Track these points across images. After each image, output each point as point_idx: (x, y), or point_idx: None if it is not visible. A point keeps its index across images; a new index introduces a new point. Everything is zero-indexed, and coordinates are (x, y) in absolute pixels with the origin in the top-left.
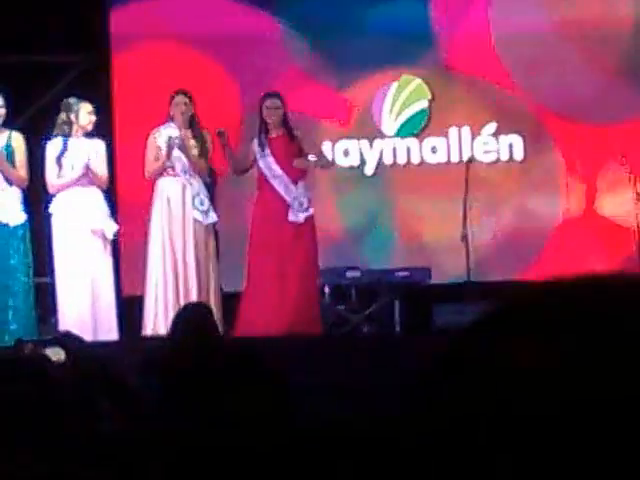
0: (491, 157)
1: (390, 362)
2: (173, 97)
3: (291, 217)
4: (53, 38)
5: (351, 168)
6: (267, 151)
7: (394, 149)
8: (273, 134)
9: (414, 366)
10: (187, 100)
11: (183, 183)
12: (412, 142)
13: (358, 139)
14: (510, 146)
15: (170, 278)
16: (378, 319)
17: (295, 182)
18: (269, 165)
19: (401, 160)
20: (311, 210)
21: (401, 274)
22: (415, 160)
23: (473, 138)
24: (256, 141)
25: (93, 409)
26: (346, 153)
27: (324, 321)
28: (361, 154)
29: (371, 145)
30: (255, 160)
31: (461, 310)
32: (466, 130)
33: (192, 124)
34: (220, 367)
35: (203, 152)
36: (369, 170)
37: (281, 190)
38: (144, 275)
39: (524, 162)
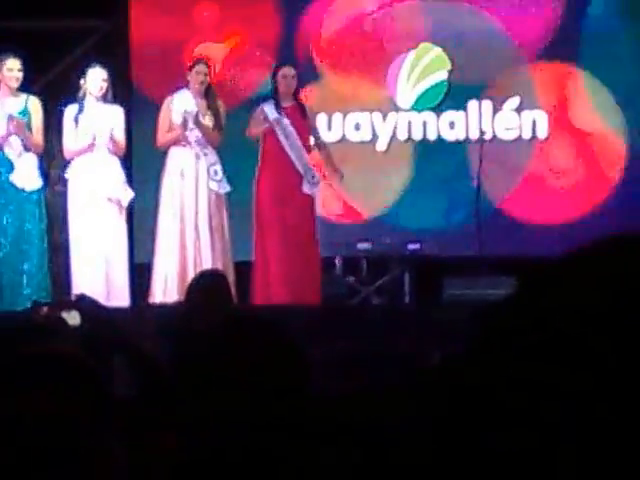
0: (512, 134)
1: (400, 333)
2: (193, 65)
3: (305, 188)
4: (72, 3)
5: (362, 143)
6: (285, 119)
7: (409, 123)
8: (286, 104)
9: (423, 336)
10: (207, 70)
11: (197, 153)
12: (429, 116)
13: (370, 112)
14: (533, 123)
15: (180, 247)
16: (388, 291)
17: (308, 154)
18: (287, 133)
19: (417, 136)
20: (320, 183)
21: (412, 247)
22: (432, 136)
23: (494, 113)
24: (271, 107)
25: (107, 373)
26: (357, 127)
27: (334, 292)
28: (373, 128)
29: (384, 119)
30: (268, 127)
31: (472, 284)
32: (487, 104)
33: (208, 94)
34: (234, 334)
35: (217, 123)
36: (381, 146)
37: (296, 160)
38: (154, 243)
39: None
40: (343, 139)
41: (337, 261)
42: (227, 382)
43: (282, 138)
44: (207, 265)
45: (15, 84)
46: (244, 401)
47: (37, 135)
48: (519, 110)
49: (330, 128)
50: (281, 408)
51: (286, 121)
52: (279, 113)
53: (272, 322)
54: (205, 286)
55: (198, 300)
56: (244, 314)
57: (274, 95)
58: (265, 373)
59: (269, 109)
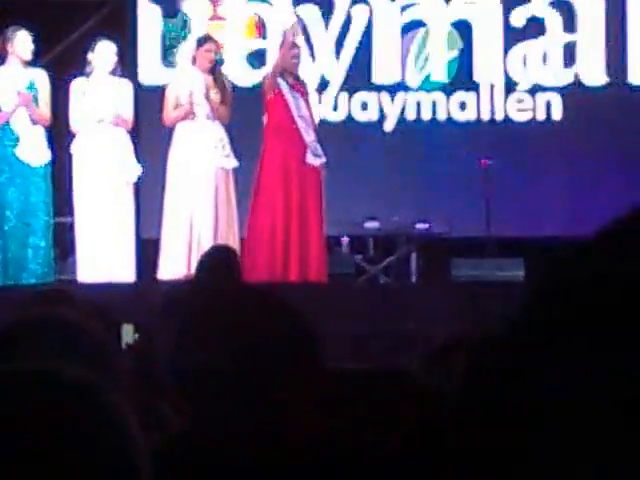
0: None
1: (405, 312)
2: (202, 44)
3: (309, 159)
4: None
5: (369, 123)
6: (296, 92)
7: (418, 104)
8: (290, 80)
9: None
10: (216, 48)
11: (205, 128)
12: (439, 96)
13: (378, 91)
14: (548, 104)
15: (187, 222)
16: (395, 270)
17: (314, 129)
18: (299, 103)
19: (426, 116)
20: (324, 158)
21: (420, 226)
22: (442, 117)
23: (507, 94)
24: (281, 80)
25: (115, 343)
26: (364, 106)
27: (342, 270)
28: (381, 108)
29: (392, 98)
30: (279, 95)
31: (479, 265)
32: (499, 85)
33: (214, 70)
34: (244, 309)
35: (225, 98)
36: (389, 126)
37: (303, 131)
38: (161, 219)
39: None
40: (349, 119)
41: (344, 240)
42: (232, 357)
43: (294, 108)
44: (213, 241)
45: (28, 56)
46: (249, 376)
47: (44, 109)
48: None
49: (336, 108)
50: (289, 380)
51: (297, 93)
52: (289, 86)
53: (280, 297)
54: (216, 261)
55: (208, 275)
56: (252, 288)
57: (281, 70)
58: (272, 345)
59: (281, 80)
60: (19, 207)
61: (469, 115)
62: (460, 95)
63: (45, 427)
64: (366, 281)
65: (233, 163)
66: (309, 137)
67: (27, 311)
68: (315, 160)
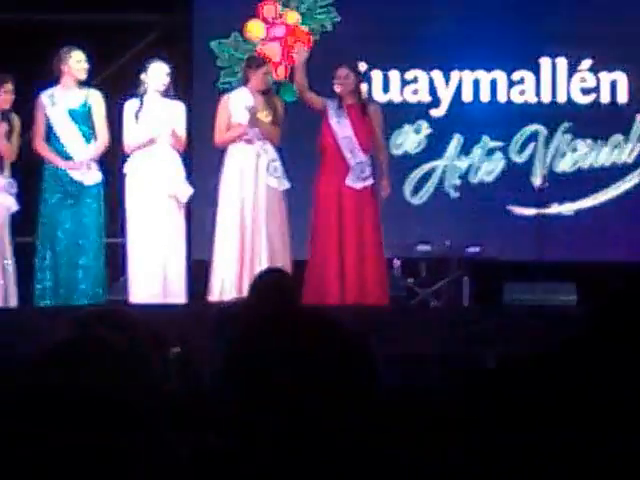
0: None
1: (456, 336)
2: (255, 65)
3: (349, 181)
4: None
5: (419, 104)
6: (343, 113)
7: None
8: (348, 102)
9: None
10: (269, 69)
11: (257, 150)
12: (499, 76)
13: (429, 69)
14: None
15: (239, 244)
16: (446, 294)
17: (363, 151)
18: (342, 125)
19: (484, 98)
20: (371, 180)
21: (472, 250)
22: (502, 98)
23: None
24: (331, 103)
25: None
26: (415, 89)
27: (393, 293)
28: (433, 88)
29: (447, 79)
30: (325, 117)
31: (531, 289)
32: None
33: (266, 91)
34: (298, 331)
35: (276, 119)
36: (440, 110)
37: (346, 152)
38: (212, 240)
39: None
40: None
41: (395, 262)
42: (286, 379)
43: (336, 130)
44: (266, 263)
45: (83, 75)
46: (307, 401)
47: (98, 129)
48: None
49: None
50: (348, 404)
51: (344, 118)
52: (339, 109)
53: (336, 320)
54: (269, 284)
55: (261, 297)
56: (308, 311)
57: (333, 93)
58: (331, 369)
59: (330, 102)
60: (71, 227)
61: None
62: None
63: None
64: (417, 304)
65: (285, 184)
66: (354, 159)
67: (76, 331)
68: (356, 183)
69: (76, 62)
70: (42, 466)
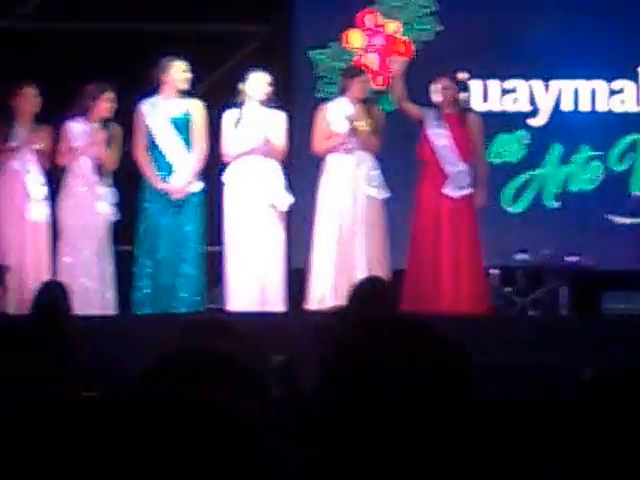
0: None
1: (554, 346)
2: (355, 74)
3: (446, 190)
4: (235, 7)
5: (517, 114)
6: (442, 122)
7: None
8: (447, 111)
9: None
10: (368, 79)
11: (356, 159)
12: (599, 85)
13: (528, 78)
14: None
15: (337, 253)
16: (544, 303)
17: (463, 160)
18: (441, 134)
19: (584, 107)
20: (469, 190)
21: (570, 259)
22: (601, 108)
23: None
24: (430, 112)
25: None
26: (515, 98)
27: (490, 302)
28: (532, 97)
29: (547, 88)
30: (423, 127)
31: (630, 298)
32: None
33: (366, 100)
34: (398, 340)
35: (376, 128)
36: (539, 119)
37: (445, 161)
38: (310, 249)
39: None
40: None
41: (493, 271)
42: (387, 388)
43: (434, 139)
44: (364, 272)
45: (185, 85)
46: (408, 406)
47: (199, 138)
48: None
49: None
50: (446, 412)
51: (443, 128)
52: (436, 117)
53: (435, 328)
54: (368, 292)
55: (360, 306)
56: (406, 317)
57: (435, 104)
58: (430, 375)
59: (428, 112)
60: (172, 236)
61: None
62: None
63: None
64: (515, 313)
65: (384, 193)
66: (453, 168)
67: (184, 340)
68: (455, 192)
69: (178, 72)
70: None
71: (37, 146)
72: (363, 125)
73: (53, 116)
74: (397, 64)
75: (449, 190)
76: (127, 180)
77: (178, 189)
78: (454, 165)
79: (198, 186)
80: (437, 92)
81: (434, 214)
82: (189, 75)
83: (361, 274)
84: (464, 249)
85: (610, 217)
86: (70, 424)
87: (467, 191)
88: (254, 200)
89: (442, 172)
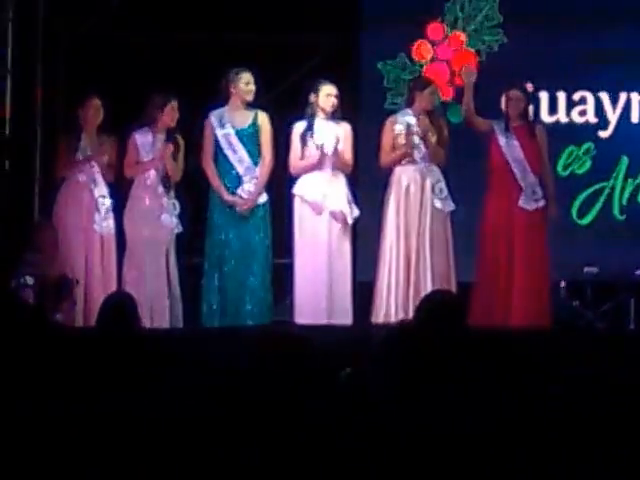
0: None
1: (622, 360)
2: (421, 86)
3: (522, 203)
4: (303, 18)
5: (585, 125)
6: (511, 135)
7: None
8: (515, 123)
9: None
10: (436, 91)
11: (422, 171)
12: None
13: (596, 90)
14: None
15: (404, 266)
16: (613, 317)
17: (534, 172)
18: (512, 147)
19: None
20: (542, 202)
21: (639, 272)
22: None
23: None
24: (498, 124)
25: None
26: (582, 110)
27: (559, 316)
28: (599, 109)
29: (614, 100)
30: (492, 139)
31: None
32: None
33: (432, 112)
34: (470, 354)
35: (441, 140)
36: (607, 131)
37: (518, 174)
38: (377, 262)
39: None
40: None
41: (562, 284)
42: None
43: (506, 151)
44: (431, 285)
45: (250, 97)
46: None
47: (266, 150)
48: None
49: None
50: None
51: (513, 139)
52: (506, 129)
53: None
54: (437, 305)
55: (429, 319)
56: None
57: (504, 115)
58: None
59: (497, 124)
60: (239, 248)
61: None
62: None
63: None
64: (584, 327)
65: (450, 206)
66: (525, 181)
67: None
68: (530, 205)
69: (244, 84)
70: None
71: (104, 158)
72: (430, 137)
73: (116, 127)
74: (466, 76)
75: (524, 203)
76: (194, 191)
77: (245, 201)
78: (527, 177)
79: (264, 198)
80: (507, 103)
81: (507, 227)
82: (254, 87)
83: (428, 287)
84: (536, 262)
85: None
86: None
87: (541, 203)
88: (322, 212)
89: (515, 185)
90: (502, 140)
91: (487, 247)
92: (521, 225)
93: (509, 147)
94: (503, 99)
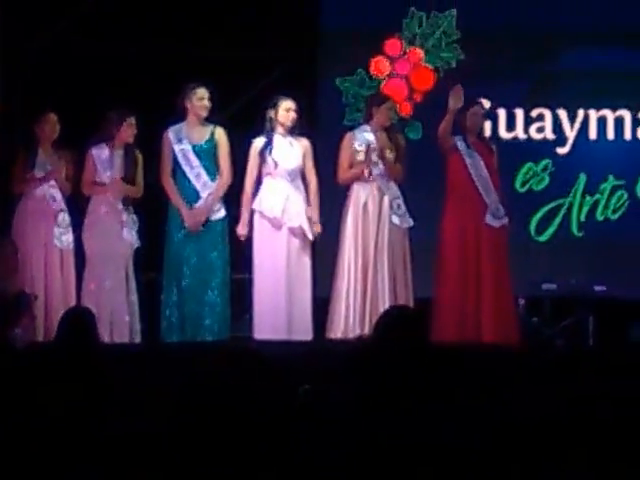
0: None
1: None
2: (379, 101)
3: (488, 220)
4: (262, 34)
5: (543, 142)
6: (474, 151)
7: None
8: (473, 139)
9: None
10: (393, 107)
11: (380, 187)
12: (624, 114)
13: (554, 107)
14: None
15: (361, 281)
16: (572, 333)
17: (495, 189)
18: (476, 164)
19: (610, 136)
20: (506, 219)
21: (597, 288)
22: (627, 137)
23: None
24: (460, 140)
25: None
26: (540, 126)
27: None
28: (557, 126)
29: (572, 117)
30: (456, 156)
31: None
32: None
33: (389, 129)
34: (428, 369)
35: (400, 157)
36: (565, 148)
37: (482, 190)
38: (334, 277)
39: None
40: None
41: (520, 301)
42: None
43: (471, 169)
44: (389, 300)
45: (204, 113)
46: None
47: (223, 165)
48: None
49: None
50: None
51: (475, 153)
52: (467, 145)
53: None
54: (395, 321)
55: (387, 335)
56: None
57: (461, 128)
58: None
59: (459, 140)
60: (196, 263)
61: None
62: None
63: None
64: (543, 343)
65: (408, 222)
66: (489, 198)
67: (213, 370)
68: (495, 222)
69: (198, 99)
70: None
71: (62, 172)
72: (387, 153)
73: (74, 142)
74: (454, 100)
75: (490, 220)
76: (154, 207)
77: (199, 216)
78: (491, 194)
79: (221, 213)
80: (469, 119)
81: (475, 244)
82: (208, 103)
83: (385, 302)
84: (504, 279)
85: (636, 246)
86: None
87: (505, 220)
88: (282, 228)
89: (480, 202)
90: (467, 157)
91: (451, 264)
92: (489, 242)
93: (474, 164)
94: (463, 115)
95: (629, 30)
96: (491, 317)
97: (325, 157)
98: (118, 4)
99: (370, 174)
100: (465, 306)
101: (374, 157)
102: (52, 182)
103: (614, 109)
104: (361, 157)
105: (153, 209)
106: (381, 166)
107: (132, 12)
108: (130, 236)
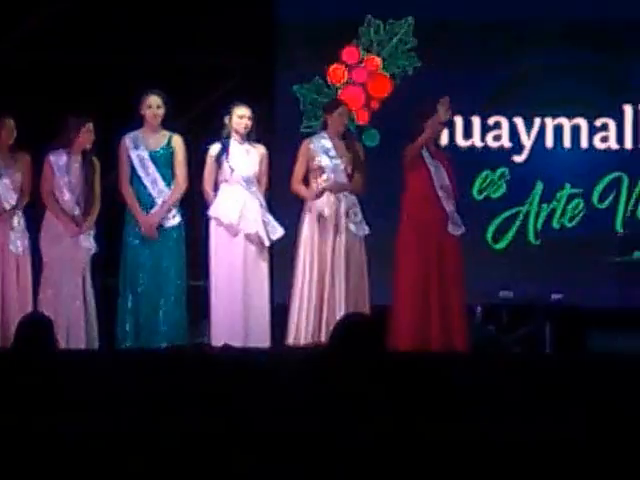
0: None
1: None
2: (333, 108)
3: (451, 229)
4: (218, 41)
5: (500, 150)
6: (437, 161)
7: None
8: (432, 148)
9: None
10: (346, 113)
11: (337, 196)
12: (580, 122)
13: (511, 115)
14: None
15: (317, 288)
16: (529, 341)
17: (454, 198)
18: (440, 173)
19: (566, 144)
20: (463, 228)
21: (555, 296)
22: (584, 145)
23: None
24: (425, 151)
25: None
26: (496, 134)
27: (475, 340)
28: (514, 134)
29: (529, 125)
30: (421, 165)
31: (615, 336)
32: None
33: (346, 136)
34: (384, 375)
35: (357, 165)
36: (522, 156)
37: (444, 199)
38: (291, 284)
39: None
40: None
41: (477, 309)
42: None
43: (435, 178)
44: (345, 308)
45: (155, 121)
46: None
47: (179, 172)
48: None
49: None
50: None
51: (438, 162)
52: (431, 155)
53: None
54: (351, 329)
55: (341, 342)
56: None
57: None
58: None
59: (423, 150)
60: (152, 270)
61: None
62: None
63: None
64: (500, 351)
65: (364, 230)
66: (449, 207)
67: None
68: (455, 230)
69: (147, 107)
70: None
71: (17, 176)
72: (344, 160)
73: (30, 147)
74: (441, 114)
75: (451, 229)
76: (112, 212)
77: (155, 222)
78: (450, 203)
79: (177, 220)
80: (429, 127)
81: (439, 252)
82: (159, 110)
83: (342, 309)
84: (459, 287)
85: (593, 255)
86: None
87: (463, 229)
88: (238, 235)
89: (441, 210)
90: (430, 166)
91: (410, 272)
92: (450, 250)
93: (438, 173)
94: (424, 124)
95: (585, 33)
96: (459, 323)
97: (282, 164)
98: (77, 10)
99: (321, 194)
100: (423, 313)
101: (330, 165)
102: (8, 186)
103: (570, 117)
104: (318, 164)
105: (111, 214)
106: (338, 174)
107: (91, 18)
108: (87, 242)
